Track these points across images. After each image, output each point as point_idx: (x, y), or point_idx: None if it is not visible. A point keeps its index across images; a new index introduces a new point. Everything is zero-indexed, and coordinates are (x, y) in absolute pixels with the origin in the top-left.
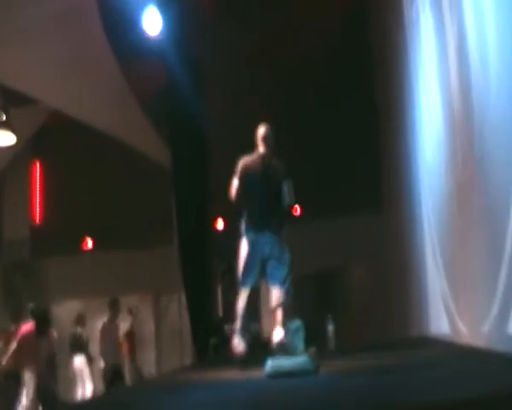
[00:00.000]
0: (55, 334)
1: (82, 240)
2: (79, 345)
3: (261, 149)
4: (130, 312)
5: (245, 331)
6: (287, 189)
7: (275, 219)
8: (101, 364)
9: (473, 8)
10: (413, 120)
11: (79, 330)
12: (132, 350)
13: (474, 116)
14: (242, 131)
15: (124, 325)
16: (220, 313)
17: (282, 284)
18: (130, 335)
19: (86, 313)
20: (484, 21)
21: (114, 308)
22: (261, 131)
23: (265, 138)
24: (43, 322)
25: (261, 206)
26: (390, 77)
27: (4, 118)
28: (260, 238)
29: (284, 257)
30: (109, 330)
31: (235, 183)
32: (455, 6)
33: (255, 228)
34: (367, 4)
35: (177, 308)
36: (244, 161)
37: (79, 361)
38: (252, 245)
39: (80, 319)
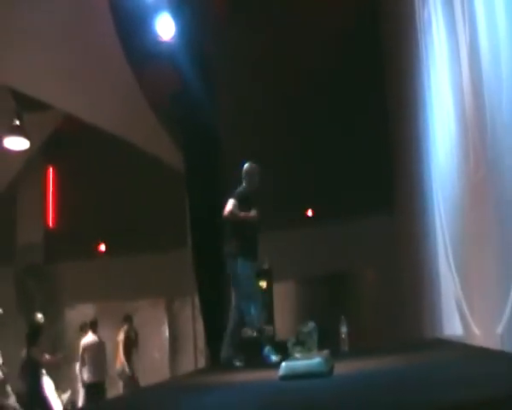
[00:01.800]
0: None
1: (95, 244)
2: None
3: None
4: (127, 319)
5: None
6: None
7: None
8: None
9: (485, 8)
10: (425, 122)
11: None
12: (128, 358)
13: (486, 117)
14: (254, 135)
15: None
16: None
17: None
18: (127, 342)
19: (99, 318)
20: (496, 22)
21: (94, 328)
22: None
23: (255, 174)
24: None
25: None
26: (402, 78)
27: (18, 123)
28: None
29: None
30: (91, 349)
31: (233, 202)
32: (467, 7)
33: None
34: (378, 5)
35: (191, 312)
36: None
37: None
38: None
39: (85, 328)
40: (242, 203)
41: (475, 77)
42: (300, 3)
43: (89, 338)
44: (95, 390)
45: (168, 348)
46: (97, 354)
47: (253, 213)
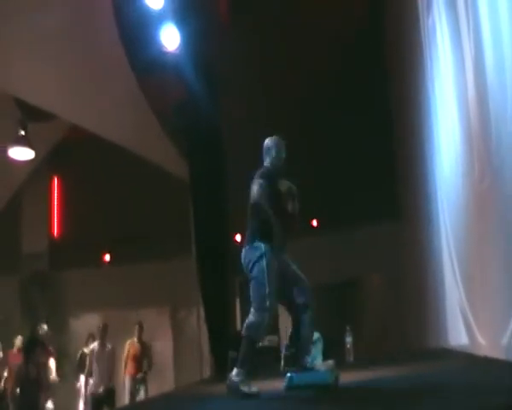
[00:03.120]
0: None
1: (100, 253)
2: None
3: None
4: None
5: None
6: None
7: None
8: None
9: (489, 17)
10: (430, 130)
11: (89, 349)
12: (137, 366)
13: (491, 125)
14: (260, 144)
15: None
16: (238, 325)
17: None
18: (137, 350)
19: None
20: (500, 31)
21: (104, 333)
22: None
23: (282, 150)
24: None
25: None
26: (406, 87)
27: (23, 133)
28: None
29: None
30: (101, 356)
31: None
32: (471, 15)
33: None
34: (383, 14)
35: (196, 321)
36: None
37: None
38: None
39: (92, 338)
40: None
41: (480, 86)
42: (305, 11)
43: (95, 345)
44: (102, 400)
45: (173, 356)
46: (105, 362)
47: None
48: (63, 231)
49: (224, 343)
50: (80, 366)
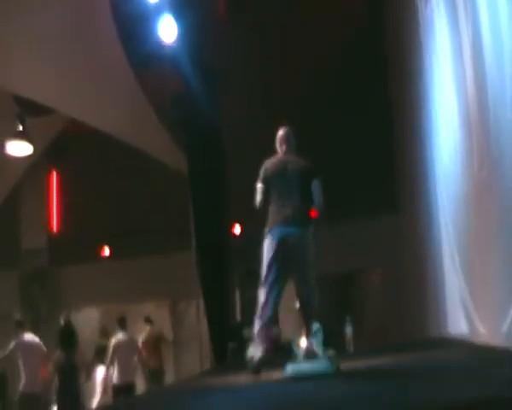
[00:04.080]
0: None
1: (99, 248)
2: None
3: (280, 149)
4: (148, 320)
5: (263, 335)
6: (315, 189)
7: (298, 218)
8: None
9: (487, 6)
10: (429, 121)
11: (104, 341)
12: (153, 358)
13: (490, 116)
14: (257, 137)
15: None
16: (238, 317)
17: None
18: (150, 343)
19: (103, 322)
20: (499, 20)
21: (123, 325)
22: (280, 133)
23: (283, 139)
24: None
25: (284, 205)
26: (405, 77)
27: (21, 128)
28: (284, 238)
29: (307, 259)
30: (123, 348)
31: (259, 186)
32: (469, 4)
33: (279, 227)
34: (381, 5)
35: (196, 314)
36: (265, 164)
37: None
38: (274, 244)
39: (105, 331)
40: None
41: (479, 75)
42: (300, 3)
43: (119, 337)
44: (124, 392)
45: (173, 350)
46: (128, 354)
47: None
48: (62, 226)
49: (224, 335)
50: (99, 358)
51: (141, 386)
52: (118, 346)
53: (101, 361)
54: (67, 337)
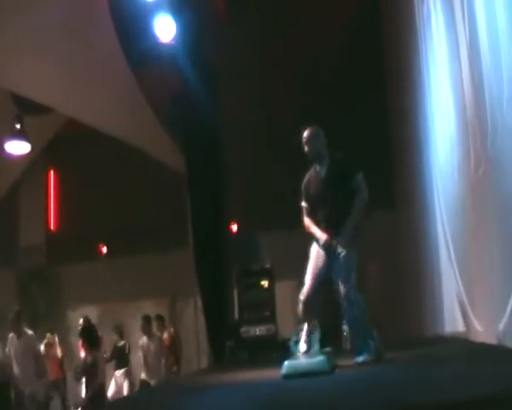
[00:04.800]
0: None
1: (97, 246)
2: (122, 358)
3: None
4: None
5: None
6: (357, 185)
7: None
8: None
9: (484, 4)
10: (425, 119)
11: (122, 342)
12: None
13: (486, 114)
14: (255, 135)
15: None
16: (236, 315)
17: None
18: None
19: (102, 319)
20: (495, 17)
21: (148, 324)
22: (303, 135)
23: (306, 142)
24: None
25: (325, 216)
26: (402, 76)
27: (19, 127)
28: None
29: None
30: (148, 347)
31: (303, 205)
32: (466, 4)
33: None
34: (378, 3)
35: (194, 312)
36: (304, 180)
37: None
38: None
39: (119, 330)
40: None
41: (475, 73)
42: (300, 2)
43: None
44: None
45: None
46: (154, 355)
47: (321, 236)
48: (60, 225)
49: (222, 333)
50: (117, 359)
51: None
52: (146, 348)
53: (122, 363)
54: (90, 335)
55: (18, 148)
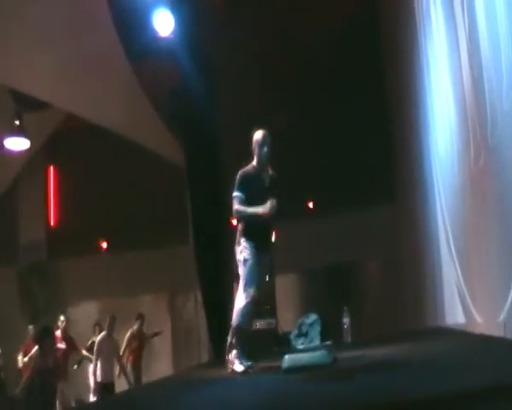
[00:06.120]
0: None
1: (97, 242)
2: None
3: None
4: (139, 317)
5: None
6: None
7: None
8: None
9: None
10: (425, 112)
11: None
12: (135, 357)
13: (486, 106)
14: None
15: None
16: None
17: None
18: (135, 340)
19: (102, 315)
20: (495, 13)
21: (111, 324)
22: (262, 135)
23: (268, 143)
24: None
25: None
26: (402, 70)
27: (18, 123)
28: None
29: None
30: (106, 346)
31: (238, 195)
32: None
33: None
34: None
35: (193, 307)
36: (243, 173)
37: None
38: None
39: (100, 327)
40: (252, 186)
41: (474, 65)
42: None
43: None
44: (108, 390)
45: (171, 342)
46: (111, 354)
47: (264, 207)
48: (60, 221)
49: (222, 329)
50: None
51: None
52: (101, 345)
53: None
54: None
55: (17, 144)
